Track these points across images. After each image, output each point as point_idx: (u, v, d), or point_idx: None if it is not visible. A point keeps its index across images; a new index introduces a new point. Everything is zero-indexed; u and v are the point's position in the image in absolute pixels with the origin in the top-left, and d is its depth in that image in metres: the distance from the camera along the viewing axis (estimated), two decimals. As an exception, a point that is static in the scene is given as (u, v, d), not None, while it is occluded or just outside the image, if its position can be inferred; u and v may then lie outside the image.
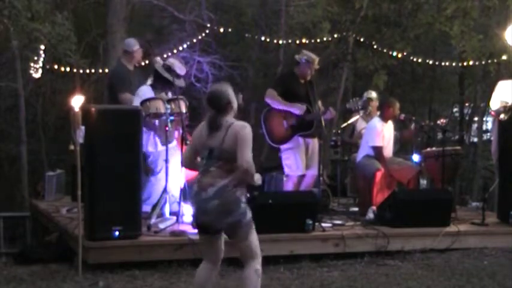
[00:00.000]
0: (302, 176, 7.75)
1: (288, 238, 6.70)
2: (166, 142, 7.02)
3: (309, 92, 7.66)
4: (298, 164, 7.66)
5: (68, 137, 9.54)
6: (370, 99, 9.10)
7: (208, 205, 4.53)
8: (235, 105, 4.69)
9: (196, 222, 4.78)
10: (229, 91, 4.68)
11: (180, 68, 7.50)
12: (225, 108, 4.62)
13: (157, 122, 7.25)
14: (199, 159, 4.74)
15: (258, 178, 4.63)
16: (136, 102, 7.18)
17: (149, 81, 7.52)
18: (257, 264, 4.68)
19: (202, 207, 4.58)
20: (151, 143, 7.35)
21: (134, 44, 7.97)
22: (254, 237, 4.67)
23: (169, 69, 7.36)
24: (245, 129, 4.58)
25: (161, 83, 7.37)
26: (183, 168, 7.15)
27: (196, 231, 6.42)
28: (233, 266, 5.82)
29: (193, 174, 7.98)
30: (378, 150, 7.94)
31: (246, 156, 4.49)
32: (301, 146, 7.67)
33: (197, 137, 4.75)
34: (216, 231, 4.65)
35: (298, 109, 7.58)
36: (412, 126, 8.76)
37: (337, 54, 12.31)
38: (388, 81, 12.81)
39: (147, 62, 9.40)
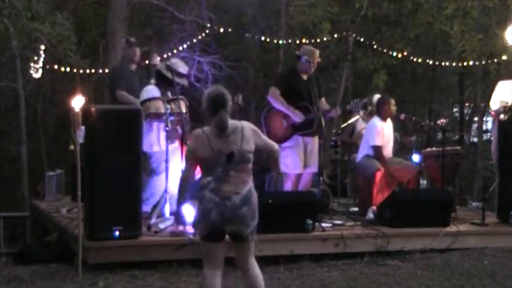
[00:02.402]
0: (299, 175, 7.76)
1: (288, 238, 6.70)
2: (166, 142, 7.02)
3: (310, 89, 7.65)
4: (296, 163, 7.66)
5: (68, 137, 9.56)
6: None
7: (238, 213, 4.43)
8: None
9: (212, 232, 4.50)
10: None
11: (183, 67, 7.51)
12: (229, 107, 4.54)
13: (157, 122, 7.26)
14: (198, 168, 4.63)
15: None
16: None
17: (152, 81, 7.52)
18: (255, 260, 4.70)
19: (229, 215, 4.43)
20: (156, 143, 7.35)
21: (124, 42, 8.00)
22: None
23: (171, 69, 7.36)
24: (252, 125, 4.69)
25: (165, 84, 7.37)
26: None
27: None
28: (233, 265, 5.81)
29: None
30: (377, 150, 7.93)
31: (272, 142, 4.84)
32: (300, 145, 7.67)
33: (201, 146, 4.49)
34: (241, 238, 4.53)
35: (298, 117, 7.56)
36: (411, 139, 8.77)
37: (337, 54, 12.32)
38: (388, 81, 12.82)
39: (146, 62, 9.39)
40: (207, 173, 4.52)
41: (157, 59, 8.03)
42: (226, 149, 4.46)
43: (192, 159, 4.60)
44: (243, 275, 4.75)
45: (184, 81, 7.53)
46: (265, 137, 4.79)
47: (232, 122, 4.54)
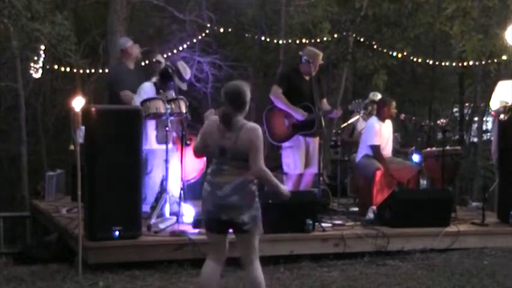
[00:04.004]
0: (300, 175, 7.75)
1: (288, 238, 6.70)
2: (166, 142, 7.02)
3: (312, 89, 7.64)
4: (296, 163, 7.66)
5: (68, 137, 9.56)
6: (375, 102, 9.01)
7: (227, 201, 4.54)
8: (247, 106, 4.69)
9: (209, 221, 4.69)
10: (248, 91, 4.68)
11: (186, 72, 7.51)
12: (242, 106, 4.62)
13: (157, 122, 7.26)
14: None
15: (287, 193, 4.88)
16: (138, 99, 7.19)
17: (153, 79, 7.52)
18: (259, 264, 4.72)
19: (220, 204, 4.56)
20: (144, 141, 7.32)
21: (127, 41, 7.99)
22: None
23: (176, 70, 7.36)
24: (257, 131, 4.59)
25: (166, 82, 7.37)
26: (183, 167, 7.27)
27: (200, 230, 6.49)
28: (233, 266, 5.81)
29: (193, 173, 8.08)
30: (376, 149, 7.93)
31: (259, 162, 4.57)
32: (302, 145, 7.67)
33: (208, 132, 4.70)
34: (233, 227, 4.61)
35: (300, 115, 7.57)
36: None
37: (337, 54, 12.31)
38: (388, 81, 12.82)
39: (147, 61, 9.39)
40: (209, 162, 4.80)
41: (159, 56, 8.02)
42: (222, 144, 4.59)
43: (200, 140, 4.76)
44: (245, 274, 4.77)
45: (183, 86, 7.52)
46: (256, 156, 4.54)
47: (239, 120, 4.60)
